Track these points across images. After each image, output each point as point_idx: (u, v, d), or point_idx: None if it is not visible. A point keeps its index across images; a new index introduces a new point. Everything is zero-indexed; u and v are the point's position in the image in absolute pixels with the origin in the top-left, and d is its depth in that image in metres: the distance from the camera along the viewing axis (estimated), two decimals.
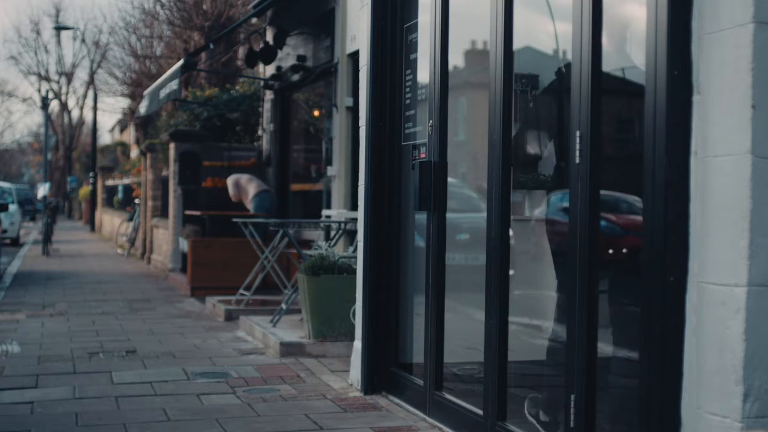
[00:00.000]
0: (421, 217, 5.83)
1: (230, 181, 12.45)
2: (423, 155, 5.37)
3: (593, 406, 3.80)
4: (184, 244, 12.70)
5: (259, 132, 13.93)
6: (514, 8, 4.45)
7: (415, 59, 5.66)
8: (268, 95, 13.36)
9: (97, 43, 41.48)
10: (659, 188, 3.38)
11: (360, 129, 6.07)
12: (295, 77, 11.98)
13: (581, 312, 3.80)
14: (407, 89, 5.75)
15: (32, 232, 30.16)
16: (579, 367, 3.80)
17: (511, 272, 4.66)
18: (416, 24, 5.66)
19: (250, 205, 12.06)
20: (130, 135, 37.93)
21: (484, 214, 4.69)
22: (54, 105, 48.58)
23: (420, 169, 5.17)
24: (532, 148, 5.32)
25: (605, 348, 4.85)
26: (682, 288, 3.33)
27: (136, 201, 19.85)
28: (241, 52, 16.58)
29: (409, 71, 5.76)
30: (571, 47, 3.86)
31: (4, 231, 21.62)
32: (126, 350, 7.51)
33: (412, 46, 5.70)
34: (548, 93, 5.13)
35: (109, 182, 29.12)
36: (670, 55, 3.33)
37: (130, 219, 20.41)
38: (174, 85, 11.23)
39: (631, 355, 4.78)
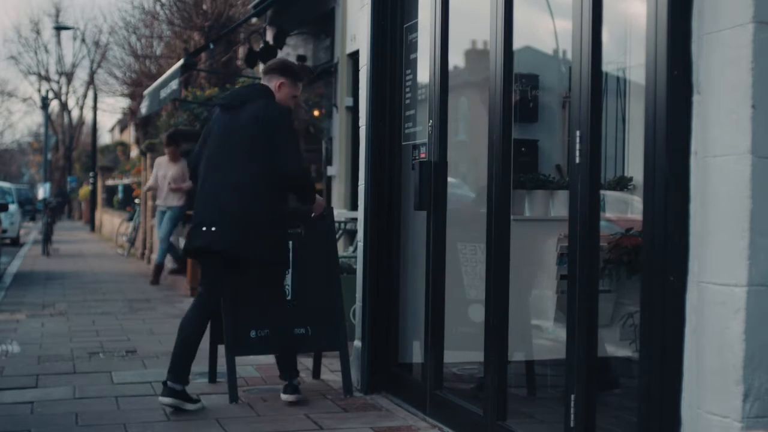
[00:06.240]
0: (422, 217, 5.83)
1: None
2: (423, 155, 5.36)
3: (593, 406, 3.80)
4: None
5: None
6: (514, 7, 4.44)
7: (415, 59, 5.65)
8: None
9: (97, 43, 41.45)
10: (659, 188, 3.37)
11: (360, 129, 6.06)
12: None
13: (581, 312, 3.79)
14: (407, 89, 5.75)
15: (32, 232, 30.15)
16: (579, 367, 3.79)
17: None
18: (416, 24, 5.65)
19: None
20: (130, 135, 37.90)
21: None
22: (54, 105, 48.62)
23: (420, 168, 5.16)
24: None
25: (605, 348, 4.85)
26: (682, 288, 3.33)
27: (136, 201, 19.84)
28: (241, 52, 16.55)
29: (409, 71, 5.75)
30: (571, 47, 3.85)
31: (4, 231, 21.60)
32: (126, 350, 7.51)
33: (412, 46, 5.69)
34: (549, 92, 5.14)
35: (109, 182, 29.10)
36: (670, 54, 3.33)
37: (130, 219, 20.39)
38: (174, 85, 11.23)
39: (631, 355, 4.79)
